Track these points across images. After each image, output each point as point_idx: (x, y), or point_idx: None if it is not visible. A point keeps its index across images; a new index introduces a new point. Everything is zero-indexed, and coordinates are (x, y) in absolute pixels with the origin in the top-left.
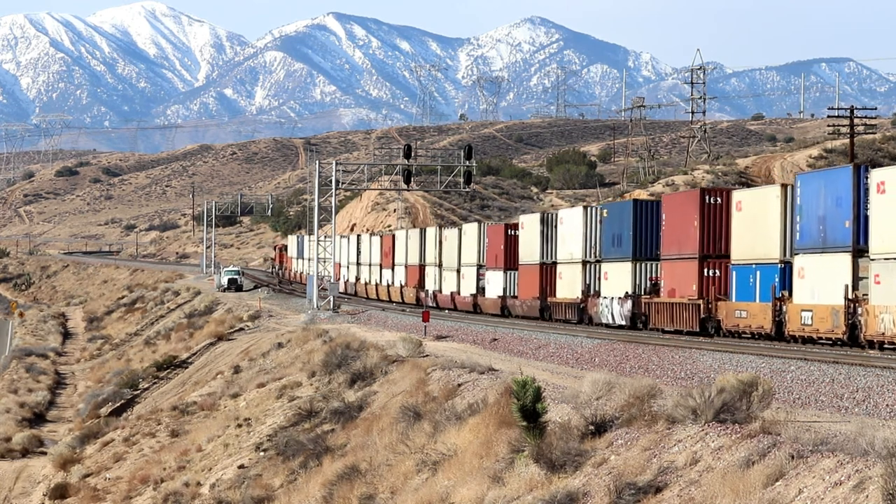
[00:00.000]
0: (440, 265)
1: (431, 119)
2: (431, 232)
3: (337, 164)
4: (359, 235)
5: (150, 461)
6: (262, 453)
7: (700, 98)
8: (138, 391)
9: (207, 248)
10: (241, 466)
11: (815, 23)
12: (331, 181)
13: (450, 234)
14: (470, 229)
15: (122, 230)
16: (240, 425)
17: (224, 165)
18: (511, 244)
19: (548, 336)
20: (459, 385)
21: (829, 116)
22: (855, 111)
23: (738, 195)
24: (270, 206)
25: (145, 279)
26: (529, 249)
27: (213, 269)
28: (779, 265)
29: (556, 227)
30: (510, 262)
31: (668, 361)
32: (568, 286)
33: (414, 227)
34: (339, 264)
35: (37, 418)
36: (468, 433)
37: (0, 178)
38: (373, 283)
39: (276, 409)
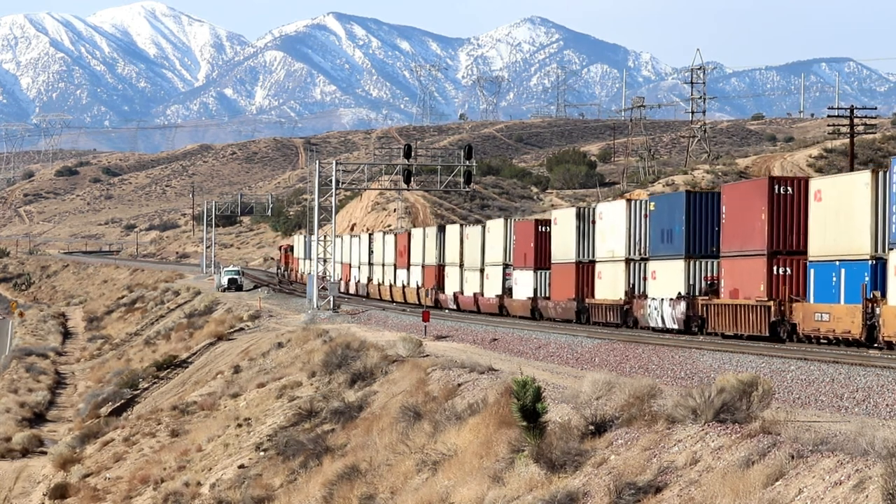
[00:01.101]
0: (462, 265)
1: (431, 119)
2: (452, 230)
3: (337, 163)
4: (371, 234)
5: (150, 461)
6: (262, 453)
7: (700, 98)
8: (138, 391)
9: (207, 247)
10: (241, 466)
11: (815, 23)
12: (331, 181)
13: (472, 231)
14: (495, 226)
15: (122, 230)
16: (240, 425)
17: (224, 165)
18: (542, 241)
19: (548, 336)
20: (459, 385)
21: (829, 116)
22: (855, 111)
23: (818, 183)
24: (270, 205)
25: (145, 279)
26: (563, 247)
27: (213, 268)
28: (869, 262)
29: (594, 222)
30: (541, 260)
31: (668, 361)
32: (609, 286)
33: (414, 226)
34: (350, 264)
35: (37, 418)
36: (468, 433)
37: (0, 177)
38: (386, 283)
39: (276, 408)
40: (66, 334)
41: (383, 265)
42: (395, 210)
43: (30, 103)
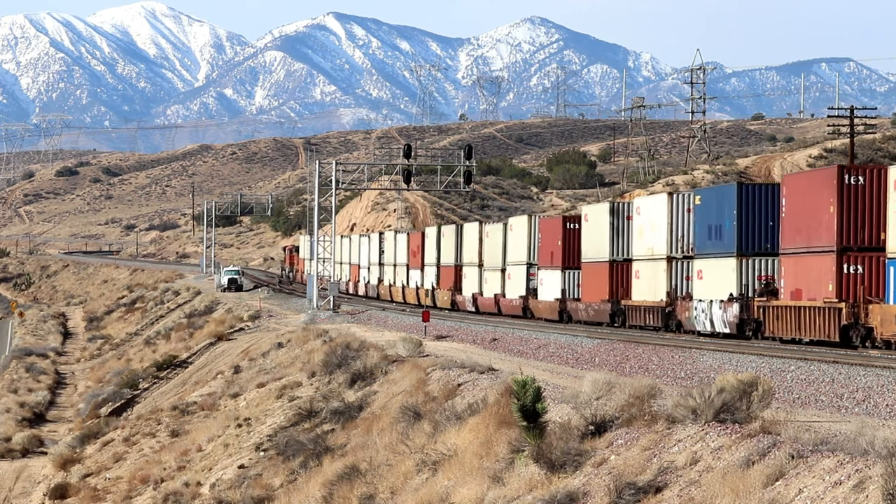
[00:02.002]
0: (481, 265)
1: (431, 119)
2: (470, 228)
3: (337, 164)
4: (381, 234)
5: (151, 461)
6: (262, 453)
7: (700, 98)
8: (138, 391)
9: (207, 247)
10: (241, 466)
11: (815, 23)
12: (331, 181)
13: (493, 229)
14: (518, 224)
15: (122, 230)
16: (240, 425)
17: (224, 165)
18: (571, 239)
19: (548, 336)
20: (459, 385)
21: (829, 116)
22: (855, 111)
23: None
24: (270, 205)
25: (145, 279)
26: (595, 245)
27: (213, 268)
28: None
29: (629, 217)
30: (570, 259)
31: (668, 361)
32: (648, 287)
33: (414, 227)
34: (359, 265)
35: (37, 418)
36: (468, 433)
37: (0, 178)
38: (398, 285)
39: (276, 409)
40: (66, 334)
41: (395, 266)
42: (394, 210)
43: (30, 103)
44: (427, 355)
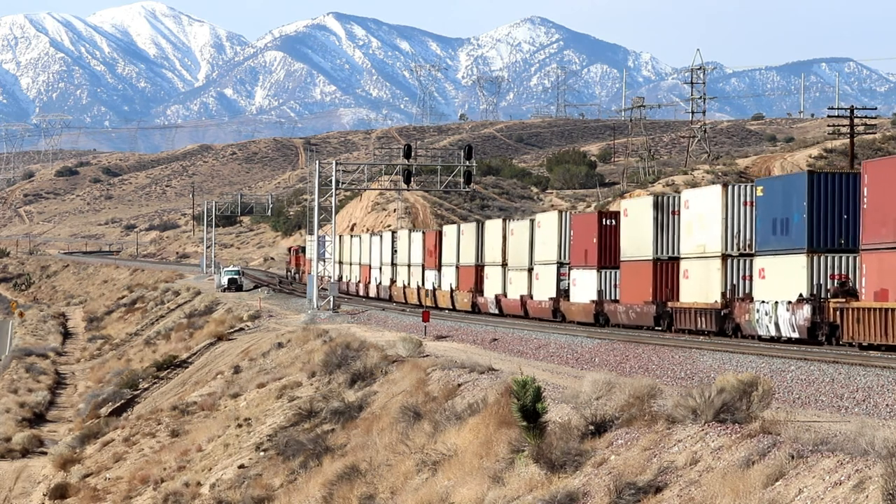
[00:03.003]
0: (505, 264)
1: (431, 119)
2: (493, 225)
3: (337, 164)
4: (394, 232)
5: (150, 461)
6: (262, 453)
7: (700, 98)
8: (138, 391)
9: (207, 248)
10: (241, 466)
11: (815, 23)
12: (331, 181)
13: (518, 226)
14: (547, 220)
15: (122, 230)
16: (240, 425)
17: (224, 165)
18: (608, 236)
19: (548, 336)
20: (459, 385)
21: (829, 116)
22: (855, 111)
23: None
24: (270, 206)
25: (145, 279)
26: (637, 242)
27: (213, 268)
28: None
29: (676, 212)
30: (607, 258)
31: (668, 361)
32: (699, 287)
33: (414, 227)
34: (370, 266)
35: (37, 418)
36: (468, 433)
37: (0, 178)
38: (413, 286)
39: (276, 409)
40: (66, 334)
41: (409, 266)
42: (394, 210)
43: (30, 103)
44: (427, 355)
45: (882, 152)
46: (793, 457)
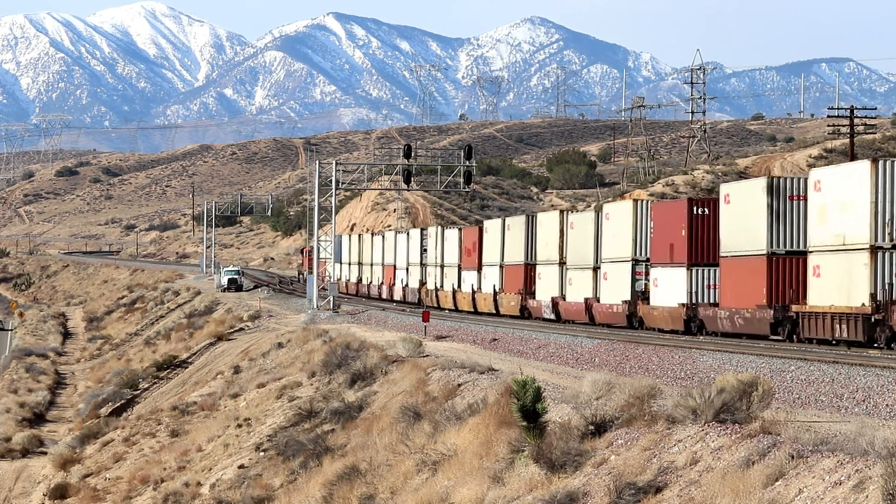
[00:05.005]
0: (563, 262)
1: (431, 119)
2: (548, 219)
3: (337, 164)
4: (423, 230)
5: (150, 461)
6: (262, 453)
7: (700, 98)
8: (138, 391)
9: (207, 248)
10: (241, 466)
11: (815, 23)
12: (331, 181)
13: (580, 219)
14: (618, 210)
15: (122, 230)
16: (240, 425)
17: (224, 165)
18: (701, 228)
19: (548, 336)
20: (459, 385)
21: (829, 116)
22: (855, 111)
23: None
24: (270, 206)
25: (145, 279)
26: (744, 234)
27: (213, 269)
28: None
29: (798, 197)
30: (700, 254)
31: (668, 361)
32: (836, 288)
33: (414, 226)
34: (394, 266)
35: (37, 418)
36: (468, 433)
37: (0, 178)
38: (447, 288)
39: (276, 409)
40: (66, 334)
41: (442, 266)
42: (394, 210)
43: (30, 103)
44: (427, 355)
45: (882, 152)
46: (793, 457)
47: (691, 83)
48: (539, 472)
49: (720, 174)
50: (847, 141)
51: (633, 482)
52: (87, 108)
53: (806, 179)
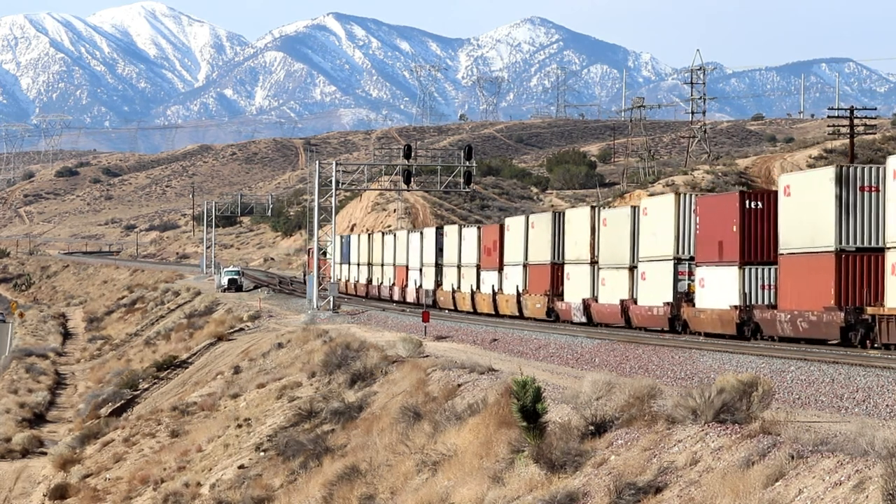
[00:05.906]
0: (595, 261)
1: (431, 119)
2: (577, 215)
3: (337, 164)
4: (439, 228)
5: (150, 461)
6: (262, 453)
7: (700, 98)
8: (138, 391)
9: (207, 248)
10: (241, 467)
11: (815, 23)
12: (331, 181)
13: (614, 215)
14: (658, 206)
15: (122, 230)
16: (240, 425)
17: (224, 165)
18: (754, 223)
19: (548, 336)
20: (459, 385)
21: (829, 117)
22: (855, 111)
23: None
24: (270, 206)
25: (145, 279)
26: (808, 228)
27: (213, 269)
28: None
29: (870, 188)
30: (753, 251)
31: (668, 362)
32: None
33: (414, 227)
34: (407, 266)
35: (37, 418)
36: (468, 433)
37: (0, 178)
38: (465, 290)
39: (276, 409)
40: (66, 335)
41: (460, 267)
42: (394, 210)
43: (30, 104)
44: (427, 356)
45: (882, 152)
46: (793, 457)
47: (691, 83)
48: (539, 472)
49: (720, 174)
50: (847, 141)
51: (633, 482)
52: (87, 108)
53: (881, 168)
